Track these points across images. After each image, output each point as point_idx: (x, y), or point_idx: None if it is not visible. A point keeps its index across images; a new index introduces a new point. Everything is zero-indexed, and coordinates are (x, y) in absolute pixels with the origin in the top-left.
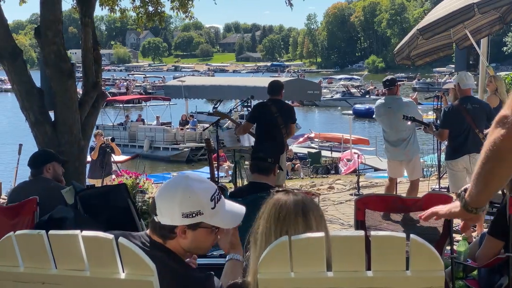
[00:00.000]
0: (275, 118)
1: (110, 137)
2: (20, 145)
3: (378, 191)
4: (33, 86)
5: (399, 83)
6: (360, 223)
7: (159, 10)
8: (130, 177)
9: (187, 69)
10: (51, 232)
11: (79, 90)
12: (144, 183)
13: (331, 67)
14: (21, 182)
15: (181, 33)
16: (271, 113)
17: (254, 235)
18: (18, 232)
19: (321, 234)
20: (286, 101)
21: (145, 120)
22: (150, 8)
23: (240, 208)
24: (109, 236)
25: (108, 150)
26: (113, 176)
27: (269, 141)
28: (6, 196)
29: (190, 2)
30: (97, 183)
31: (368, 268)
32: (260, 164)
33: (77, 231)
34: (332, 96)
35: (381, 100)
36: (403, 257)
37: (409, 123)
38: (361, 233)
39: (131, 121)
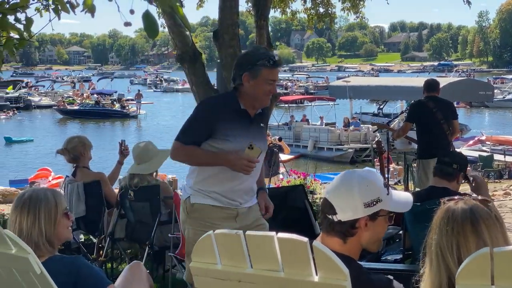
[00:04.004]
0: (433, 114)
1: (278, 137)
2: None
3: None
4: (210, 87)
5: None
6: None
7: (329, 11)
8: (298, 177)
9: (351, 69)
10: (248, 232)
11: None
12: (312, 183)
13: (503, 66)
14: None
15: (345, 33)
16: (429, 109)
17: (428, 248)
18: (217, 231)
19: None
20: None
21: (309, 120)
22: (321, 9)
23: (407, 195)
24: (304, 238)
25: (275, 150)
26: (281, 176)
27: (429, 138)
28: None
29: (361, 3)
30: (265, 182)
31: None
32: (444, 168)
33: (273, 233)
34: (504, 97)
35: None
36: None
37: None
38: None
39: (296, 121)
